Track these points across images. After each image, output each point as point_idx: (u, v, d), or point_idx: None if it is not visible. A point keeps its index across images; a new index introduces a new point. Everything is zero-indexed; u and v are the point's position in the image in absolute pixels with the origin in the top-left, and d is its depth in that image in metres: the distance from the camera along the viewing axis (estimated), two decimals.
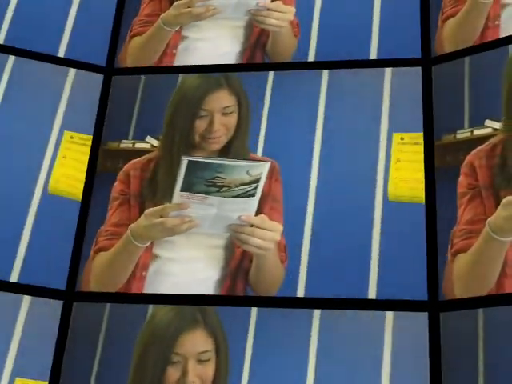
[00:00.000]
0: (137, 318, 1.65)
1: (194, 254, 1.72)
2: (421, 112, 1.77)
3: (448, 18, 1.83)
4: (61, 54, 1.96)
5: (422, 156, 1.72)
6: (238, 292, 1.68)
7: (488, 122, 1.67)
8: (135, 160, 1.81)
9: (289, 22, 1.91)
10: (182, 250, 1.71)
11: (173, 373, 1.56)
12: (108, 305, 1.68)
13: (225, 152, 1.77)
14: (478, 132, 1.68)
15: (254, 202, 1.59)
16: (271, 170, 1.71)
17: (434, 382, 1.51)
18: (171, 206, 1.63)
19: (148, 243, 1.69)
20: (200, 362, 1.57)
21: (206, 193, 1.57)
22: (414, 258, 1.63)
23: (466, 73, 1.76)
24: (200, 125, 1.77)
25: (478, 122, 1.69)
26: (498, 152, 1.61)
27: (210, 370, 1.57)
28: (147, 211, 1.68)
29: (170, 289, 1.69)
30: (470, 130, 1.69)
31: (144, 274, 1.70)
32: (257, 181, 1.55)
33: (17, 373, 1.63)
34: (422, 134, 1.74)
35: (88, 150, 1.87)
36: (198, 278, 1.70)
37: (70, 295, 1.71)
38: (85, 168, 1.85)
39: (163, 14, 1.96)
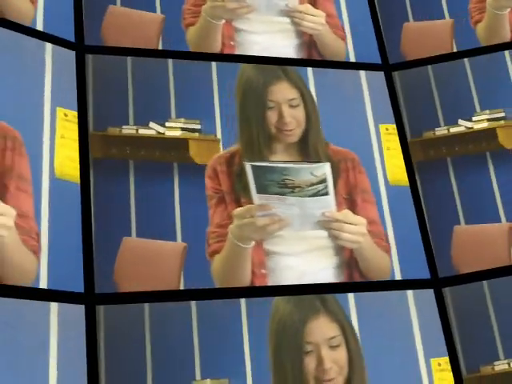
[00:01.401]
0: (177, 317, 1.63)
1: (305, 246, 1.73)
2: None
3: (477, 22, 2.08)
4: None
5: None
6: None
7: (461, 122, 1.95)
8: (219, 154, 1.78)
9: (324, 25, 1.99)
10: (292, 243, 1.71)
11: (309, 362, 1.56)
12: (146, 305, 1.62)
13: (302, 145, 1.80)
14: (453, 130, 1.95)
15: (331, 199, 1.65)
16: (352, 161, 1.82)
17: (448, 344, 1.76)
18: (255, 207, 1.64)
19: (252, 243, 1.68)
20: (332, 347, 1.58)
21: (282, 194, 1.61)
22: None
23: (432, 79, 2.02)
24: (272, 116, 1.78)
25: (451, 121, 1.96)
26: None
27: (343, 355, 1.59)
28: (235, 212, 1.68)
29: (293, 282, 1.70)
30: (446, 127, 1.96)
31: (263, 271, 1.69)
32: (324, 180, 1.61)
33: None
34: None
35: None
36: (316, 268, 1.72)
37: (91, 298, 1.61)
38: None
39: (204, 6, 1.95)
